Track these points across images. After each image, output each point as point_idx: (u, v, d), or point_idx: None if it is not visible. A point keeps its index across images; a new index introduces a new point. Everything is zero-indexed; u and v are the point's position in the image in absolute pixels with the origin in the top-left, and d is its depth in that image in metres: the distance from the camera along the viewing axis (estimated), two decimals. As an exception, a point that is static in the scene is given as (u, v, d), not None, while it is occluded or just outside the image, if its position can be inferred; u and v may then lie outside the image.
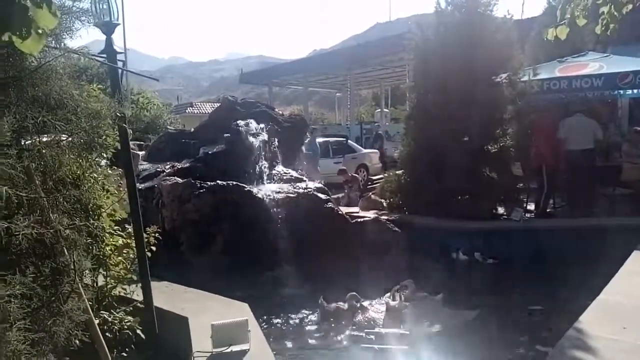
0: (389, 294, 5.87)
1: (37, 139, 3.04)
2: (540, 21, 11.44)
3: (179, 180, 6.66)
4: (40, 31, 1.65)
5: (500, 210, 8.51)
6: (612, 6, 4.00)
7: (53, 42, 3.09)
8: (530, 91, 8.15)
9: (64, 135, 3.13)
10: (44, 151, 3.05)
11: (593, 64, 8.66)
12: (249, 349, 3.43)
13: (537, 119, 8.21)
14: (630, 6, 3.97)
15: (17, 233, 2.60)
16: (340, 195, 10.82)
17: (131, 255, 4.00)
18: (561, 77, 8.50)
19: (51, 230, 2.90)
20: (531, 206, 8.94)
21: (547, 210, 8.46)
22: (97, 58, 3.69)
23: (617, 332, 3.47)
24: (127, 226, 4.03)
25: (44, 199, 2.94)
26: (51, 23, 1.63)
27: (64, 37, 3.17)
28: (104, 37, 3.54)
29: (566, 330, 3.52)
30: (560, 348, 3.28)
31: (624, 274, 4.80)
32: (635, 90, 9.48)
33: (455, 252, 7.45)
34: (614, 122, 11.61)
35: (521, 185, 8.94)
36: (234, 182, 6.65)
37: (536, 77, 8.31)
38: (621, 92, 9.83)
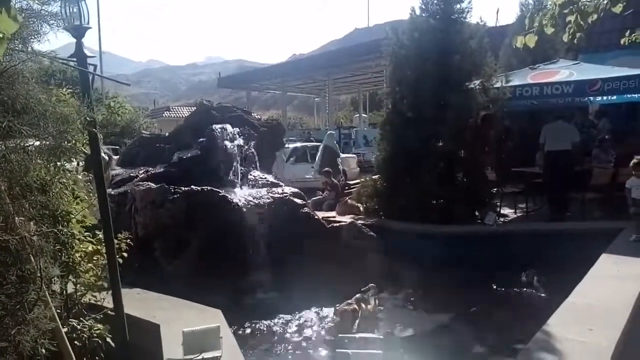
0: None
1: (3, 144, 2.98)
2: (513, 29, 11.64)
3: (153, 185, 6.57)
4: (0, 35, 1.62)
5: (475, 214, 8.61)
6: (578, 15, 4.10)
7: (20, 45, 3.04)
8: (502, 97, 8.28)
9: (30, 140, 3.07)
10: (10, 156, 2.99)
11: (564, 71, 8.83)
12: (220, 356, 3.41)
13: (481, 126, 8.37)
14: (595, 16, 4.07)
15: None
16: (317, 197, 10.85)
17: (102, 262, 3.93)
18: (533, 83, 8.64)
19: (17, 237, 2.84)
20: (505, 210, 9.10)
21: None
22: (67, 62, 3.64)
23: (584, 333, 3.54)
24: (97, 232, 3.98)
25: (10, 205, 2.89)
26: (11, 28, 1.59)
27: (31, 40, 3.11)
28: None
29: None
30: (528, 350, 3.34)
31: (591, 276, 4.90)
32: (604, 97, 9.73)
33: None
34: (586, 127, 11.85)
35: (495, 189, 9.08)
36: (209, 188, 6.59)
37: (508, 83, 8.45)
38: (591, 98, 10.07)
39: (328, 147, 13.49)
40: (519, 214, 9.18)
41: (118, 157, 10.21)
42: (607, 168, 9.05)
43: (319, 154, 13.84)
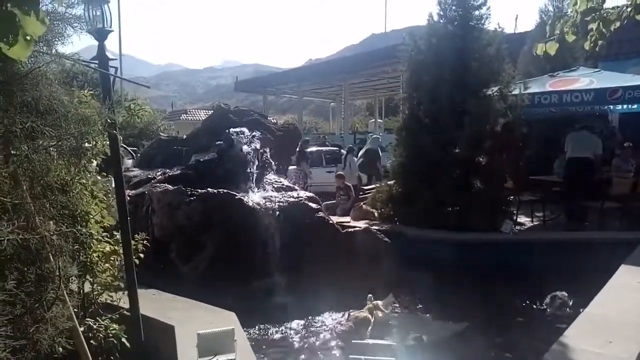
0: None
1: (26, 144, 3.03)
2: (532, 36, 11.56)
3: (170, 187, 6.62)
4: (28, 38, 1.64)
5: (491, 222, 8.52)
6: (601, 23, 4.05)
7: (44, 47, 3.09)
8: (521, 104, 8.20)
9: (52, 141, 3.12)
10: (32, 156, 3.04)
11: (584, 79, 8.74)
12: (234, 359, 3.42)
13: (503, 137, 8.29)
14: (618, 23, 4.02)
15: (1, 238, 2.58)
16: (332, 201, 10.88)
17: (119, 263, 3.97)
18: (552, 91, 8.57)
19: (37, 236, 2.88)
20: (521, 218, 9.01)
21: None
22: (88, 64, 3.70)
23: (602, 345, 3.47)
24: (115, 233, 4.02)
25: (31, 204, 2.93)
26: (39, 30, 1.63)
27: (55, 42, 3.16)
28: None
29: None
30: (545, 362, 3.29)
31: (610, 288, 4.82)
32: (625, 106, 9.60)
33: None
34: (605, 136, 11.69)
35: (511, 197, 8.99)
36: (225, 190, 6.62)
37: (527, 90, 8.38)
38: (611, 107, 9.94)
39: (371, 150, 13.58)
40: (536, 223, 9.08)
41: (134, 158, 10.31)
42: (627, 178, 8.93)
43: (361, 153, 13.93)
